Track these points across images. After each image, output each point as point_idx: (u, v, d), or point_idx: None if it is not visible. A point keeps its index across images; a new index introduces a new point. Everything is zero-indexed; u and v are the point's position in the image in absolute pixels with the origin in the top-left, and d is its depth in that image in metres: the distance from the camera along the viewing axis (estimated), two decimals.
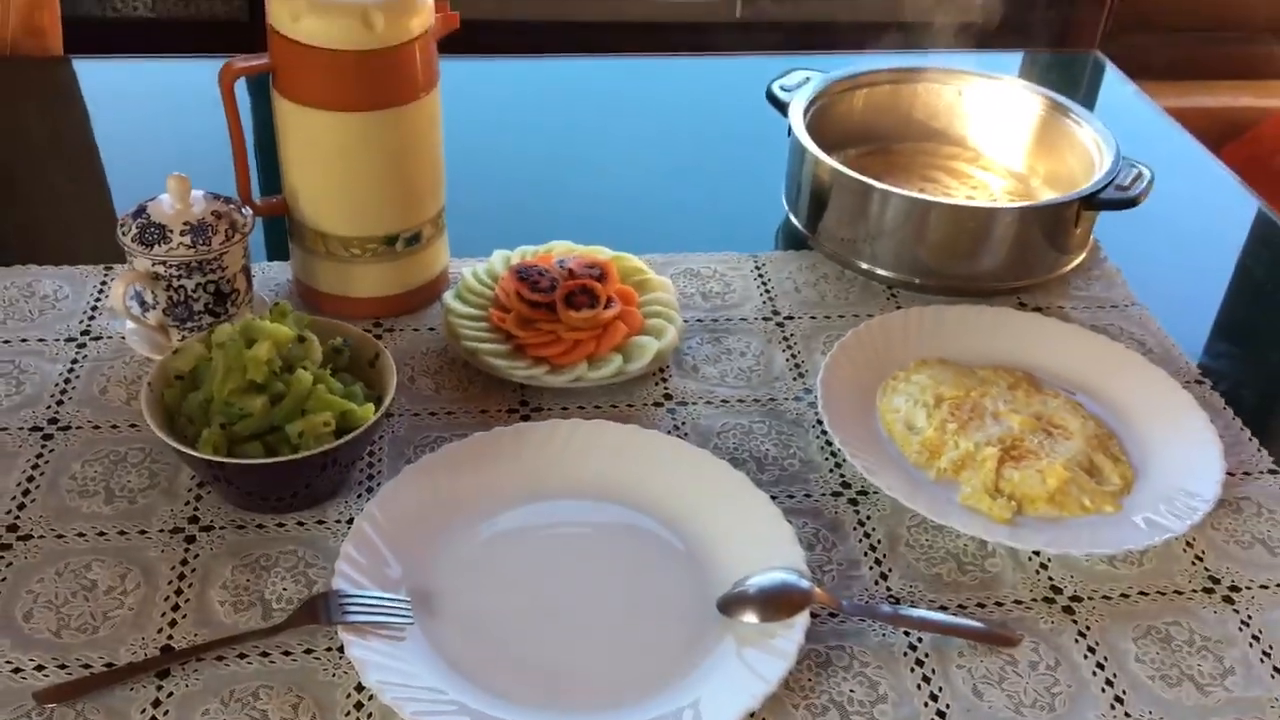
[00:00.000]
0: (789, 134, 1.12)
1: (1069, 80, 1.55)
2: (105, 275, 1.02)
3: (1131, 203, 1.02)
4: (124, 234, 0.87)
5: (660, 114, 1.41)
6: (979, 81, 1.22)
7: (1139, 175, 1.04)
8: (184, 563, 0.74)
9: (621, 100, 1.44)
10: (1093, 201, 1.02)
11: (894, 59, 1.28)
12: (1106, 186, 1.03)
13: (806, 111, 1.14)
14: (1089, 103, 1.53)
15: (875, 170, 1.21)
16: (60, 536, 0.76)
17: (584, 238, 1.05)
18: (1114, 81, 1.54)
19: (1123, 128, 1.12)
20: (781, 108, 1.14)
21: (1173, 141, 1.40)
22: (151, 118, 1.32)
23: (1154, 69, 1.78)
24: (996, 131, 1.22)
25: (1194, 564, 0.80)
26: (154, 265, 0.86)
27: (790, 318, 1.03)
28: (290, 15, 0.86)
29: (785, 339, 1.00)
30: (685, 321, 1.01)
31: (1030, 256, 1.05)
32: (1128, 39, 1.79)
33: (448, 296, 0.97)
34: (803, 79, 1.18)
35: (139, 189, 0.92)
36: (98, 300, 0.99)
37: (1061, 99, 1.17)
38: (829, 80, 1.18)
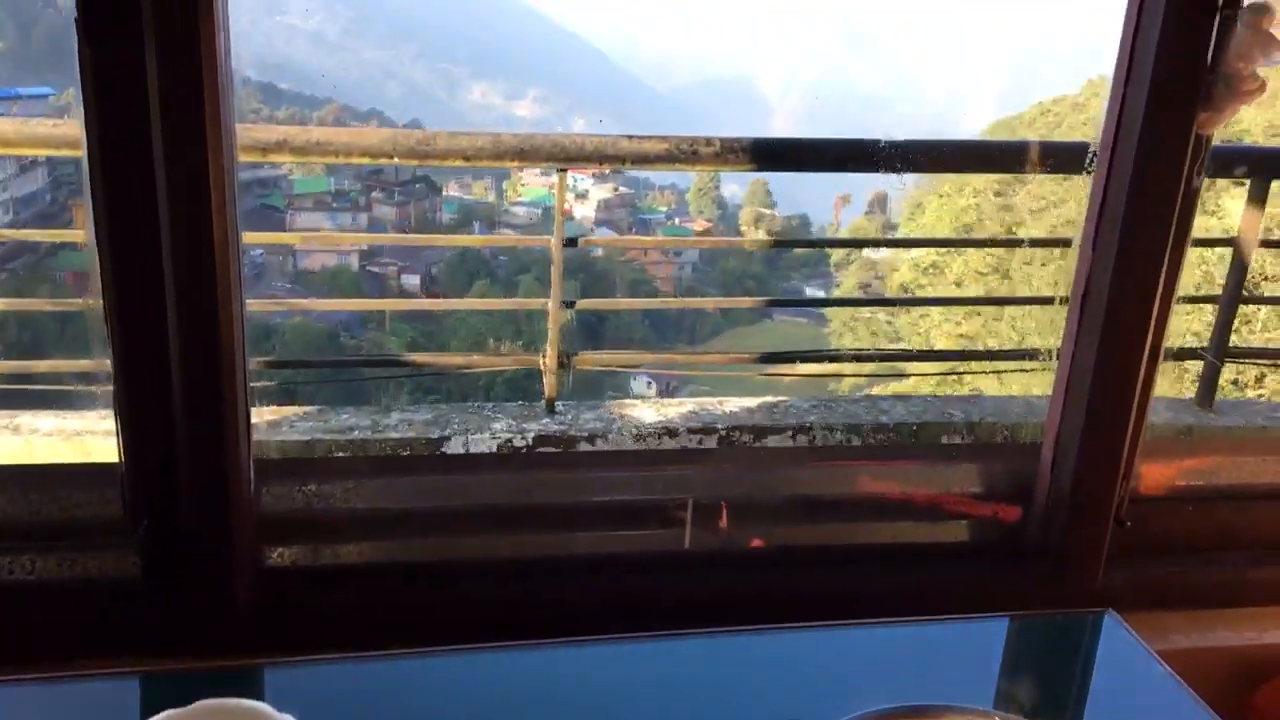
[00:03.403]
0: None
1: (1076, 644, 1.38)
2: None
3: None
4: None
5: None
6: None
7: None
8: None
9: None
10: None
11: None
12: None
13: None
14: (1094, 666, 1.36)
15: None
16: None
17: None
18: (1126, 642, 1.35)
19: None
20: None
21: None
22: None
23: (1166, 597, 1.63)
24: None
25: None
26: None
27: None
28: None
29: None
30: None
31: None
32: (1133, 562, 1.65)
33: None
34: None
35: None
36: None
37: None
38: None
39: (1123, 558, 1.64)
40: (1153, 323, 1.52)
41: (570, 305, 2.99)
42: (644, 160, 2.84)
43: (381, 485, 1.57)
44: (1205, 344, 3.36)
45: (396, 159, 2.66)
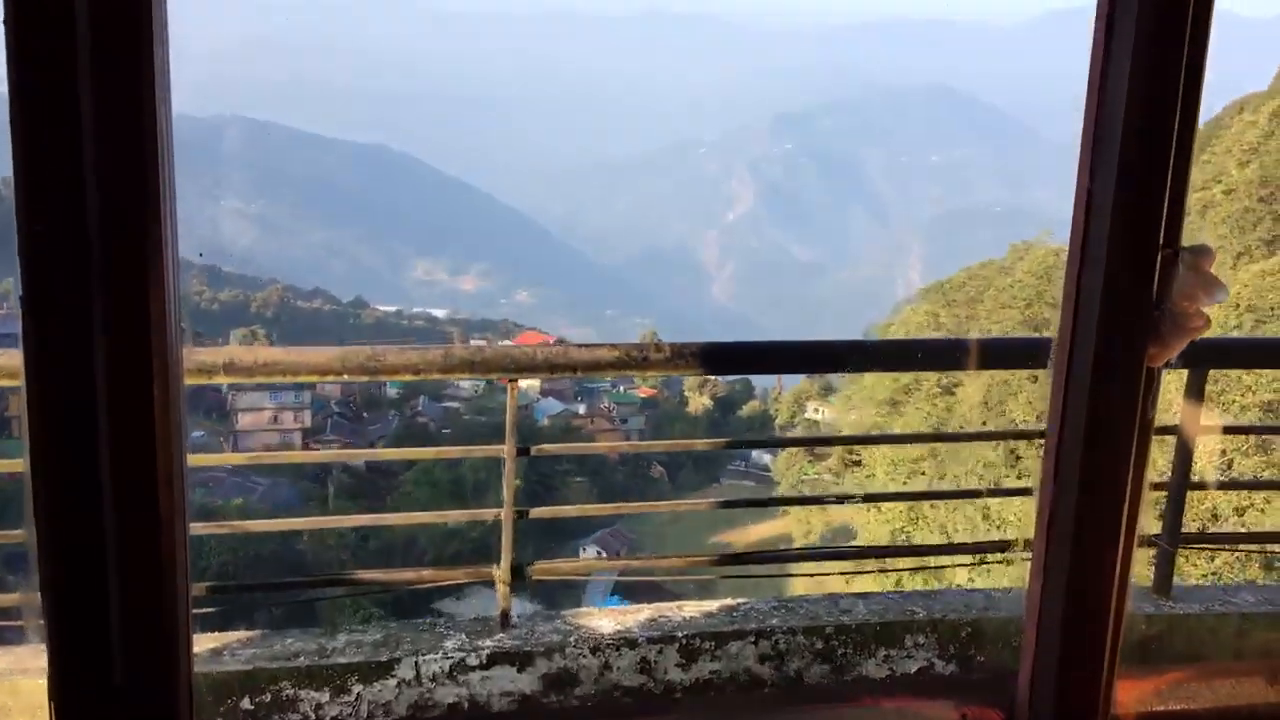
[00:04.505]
0: None
1: None
2: None
3: None
4: None
5: None
6: None
7: None
8: None
9: None
10: None
11: None
12: None
13: None
14: None
15: None
16: None
17: None
18: None
19: None
20: None
21: None
22: None
23: None
24: None
25: None
26: None
27: None
28: None
29: None
30: None
31: None
32: None
33: None
34: None
35: None
36: None
37: None
38: None
39: None
40: (1120, 549, 1.52)
41: (523, 515, 2.94)
42: (595, 368, 2.85)
43: None
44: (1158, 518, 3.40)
45: (346, 376, 2.64)
